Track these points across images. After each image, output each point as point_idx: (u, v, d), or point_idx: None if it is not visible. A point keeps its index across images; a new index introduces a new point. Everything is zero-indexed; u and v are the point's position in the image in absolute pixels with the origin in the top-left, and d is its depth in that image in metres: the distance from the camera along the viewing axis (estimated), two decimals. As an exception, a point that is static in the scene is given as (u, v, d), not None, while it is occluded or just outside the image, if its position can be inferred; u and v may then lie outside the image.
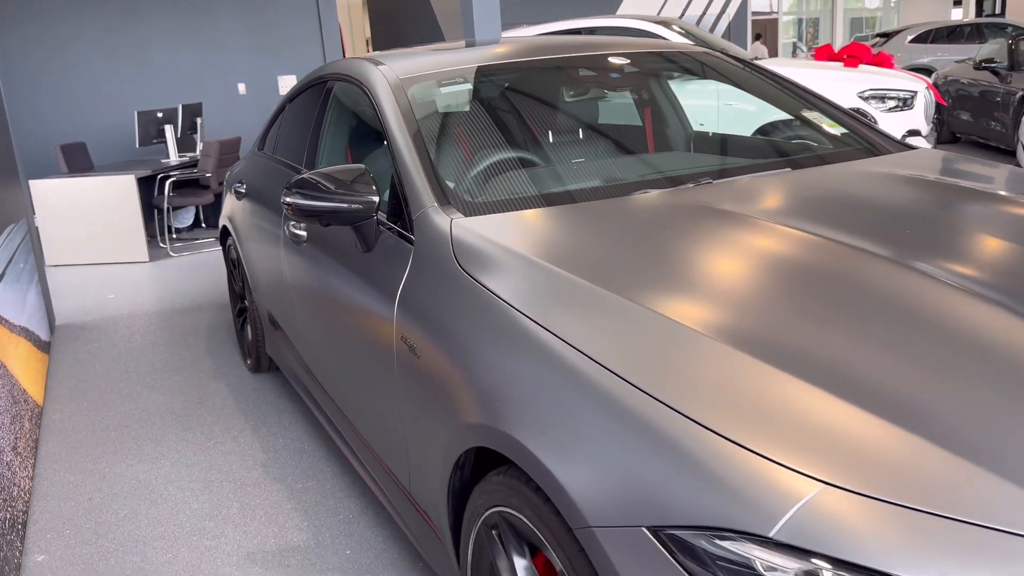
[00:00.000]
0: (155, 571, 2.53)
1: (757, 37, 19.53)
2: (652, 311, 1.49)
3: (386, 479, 2.29)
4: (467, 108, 2.63)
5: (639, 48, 3.05)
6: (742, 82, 3.10)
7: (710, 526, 1.12)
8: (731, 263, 1.74)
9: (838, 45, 20.99)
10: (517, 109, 2.66)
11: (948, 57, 14.84)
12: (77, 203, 7.02)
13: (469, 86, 2.64)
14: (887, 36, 17.46)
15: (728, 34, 16.53)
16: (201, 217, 8.34)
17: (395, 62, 2.72)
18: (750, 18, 19.07)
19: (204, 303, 5.56)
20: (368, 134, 2.75)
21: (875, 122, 3.00)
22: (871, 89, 6.43)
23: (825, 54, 7.31)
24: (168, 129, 7.92)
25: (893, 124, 6.42)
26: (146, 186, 7.31)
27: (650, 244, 1.83)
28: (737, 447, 1.16)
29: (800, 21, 26.12)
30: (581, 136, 2.67)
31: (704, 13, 15.54)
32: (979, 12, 23.31)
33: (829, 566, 1.04)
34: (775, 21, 20.67)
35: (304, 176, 2.20)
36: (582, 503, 1.27)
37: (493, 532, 1.62)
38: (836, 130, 2.77)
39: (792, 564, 1.05)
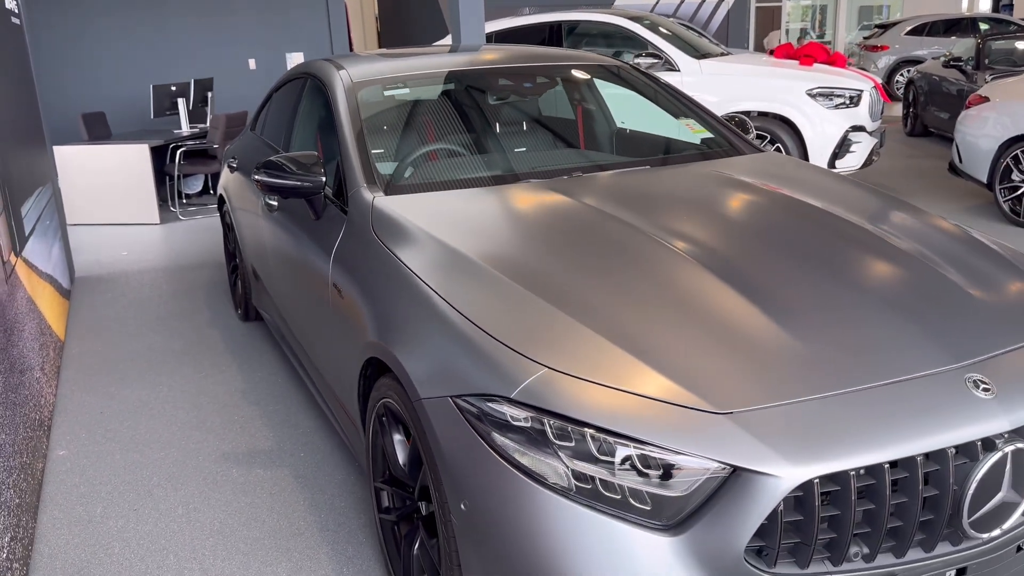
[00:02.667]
0: (150, 464, 3.24)
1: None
2: (482, 263, 2.16)
3: (329, 393, 2.98)
4: (403, 108, 3.30)
5: (559, 61, 3.69)
6: (642, 90, 3.71)
7: (483, 393, 1.79)
8: (549, 232, 2.42)
9: (842, 34, 21.36)
10: (442, 110, 3.33)
11: (942, 50, 15.28)
12: (95, 168, 7.72)
13: (407, 90, 3.31)
14: (885, 28, 17.86)
15: (727, 22, 16.98)
16: (209, 184, 9.03)
17: (354, 67, 3.38)
18: (753, 5, 19.49)
19: (206, 261, 6.26)
20: (331, 125, 3.43)
21: (749, 128, 3.62)
22: (819, 87, 7.01)
23: (783, 53, 7.88)
24: (181, 102, 8.60)
25: (839, 120, 7.01)
26: (159, 154, 8.00)
27: (504, 217, 2.51)
28: (504, 346, 1.83)
29: (814, 9, 26.46)
30: (491, 134, 3.33)
31: (702, 1, 16.01)
32: (995, 7, 23.54)
33: (547, 417, 1.70)
34: (780, 8, 21.06)
35: (272, 158, 2.87)
36: (417, 384, 1.95)
37: (382, 419, 2.30)
38: (707, 134, 3.41)
39: (524, 414, 1.72)
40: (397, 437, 2.25)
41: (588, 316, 1.93)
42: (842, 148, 7.05)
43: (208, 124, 8.64)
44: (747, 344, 1.85)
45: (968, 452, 1.70)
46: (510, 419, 1.74)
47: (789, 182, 2.89)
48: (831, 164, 7.05)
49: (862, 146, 7.15)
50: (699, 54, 7.59)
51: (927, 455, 1.67)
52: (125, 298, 5.46)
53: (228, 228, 4.84)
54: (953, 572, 1.74)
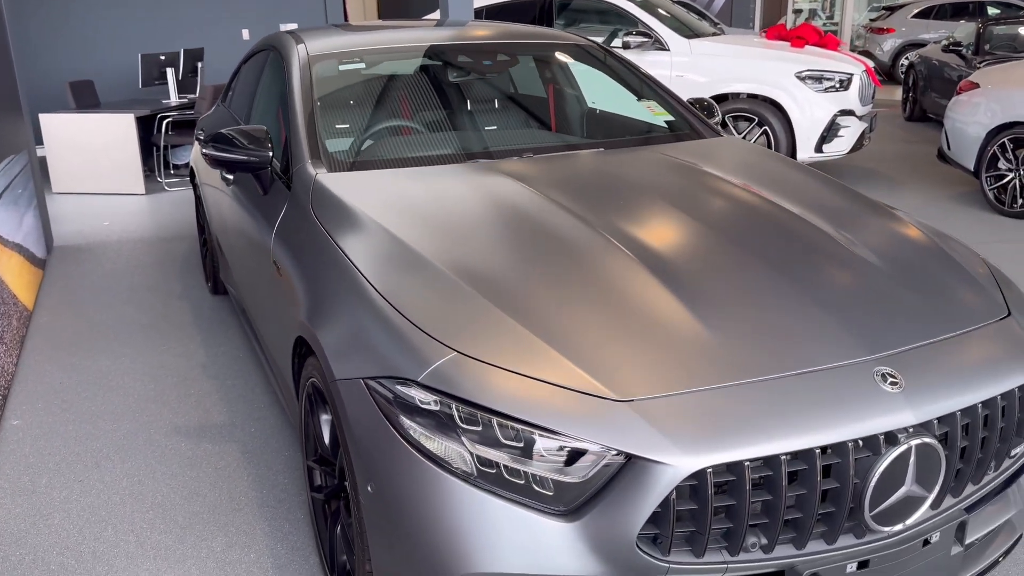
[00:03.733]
0: (101, 435, 3.25)
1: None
2: (411, 245, 2.14)
3: (276, 370, 2.98)
4: (358, 83, 3.27)
5: (526, 39, 3.65)
6: (610, 71, 3.67)
7: (393, 375, 1.79)
8: (484, 215, 2.40)
9: (849, 15, 21.11)
10: (397, 86, 3.30)
11: (947, 33, 15.11)
12: (81, 137, 7.70)
13: (363, 65, 3.28)
14: (891, 10, 17.67)
15: (731, 2, 16.81)
16: (198, 155, 9.00)
17: (313, 40, 3.35)
18: (759, -16, 19.24)
19: (186, 233, 6.26)
20: (286, 99, 3.40)
21: (715, 112, 3.58)
22: (808, 70, 6.94)
23: (776, 34, 7.79)
24: (169, 72, 8.56)
25: (827, 104, 6.95)
26: (147, 125, 7.97)
27: (443, 198, 2.49)
28: (417, 329, 1.83)
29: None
30: (446, 112, 3.30)
31: (707, -20, 15.83)
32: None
33: (453, 402, 1.70)
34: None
35: (222, 131, 2.85)
36: (333, 364, 1.94)
37: (311, 398, 2.30)
38: (668, 117, 3.38)
39: (431, 398, 1.72)
40: (324, 416, 2.25)
41: (507, 302, 1.91)
42: (830, 132, 6.99)
43: (197, 95, 8.61)
44: (660, 333, 1.83)
45: (871, 445, 1.69)
46: (419, 402, 1.73)
47: (740, 169, 2.86)
48: (818, 148, 7.00)
49: (851, 130, 7.08)
50: (690, 34, 7.51)
51: (828, 447, 1.67)
52: (101, 268, 5.46)
53: (199, 201, 4.84)
54: (854, 565, 1.74)
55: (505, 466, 1.66)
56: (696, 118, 3.39)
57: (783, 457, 1.62)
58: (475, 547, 1.65)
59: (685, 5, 11.64)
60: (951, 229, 5.96)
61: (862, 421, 1.67)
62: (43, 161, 7.91)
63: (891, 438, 1.69)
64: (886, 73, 16.46)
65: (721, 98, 7.19)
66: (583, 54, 3.69)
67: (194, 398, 3.55)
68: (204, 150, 2.83)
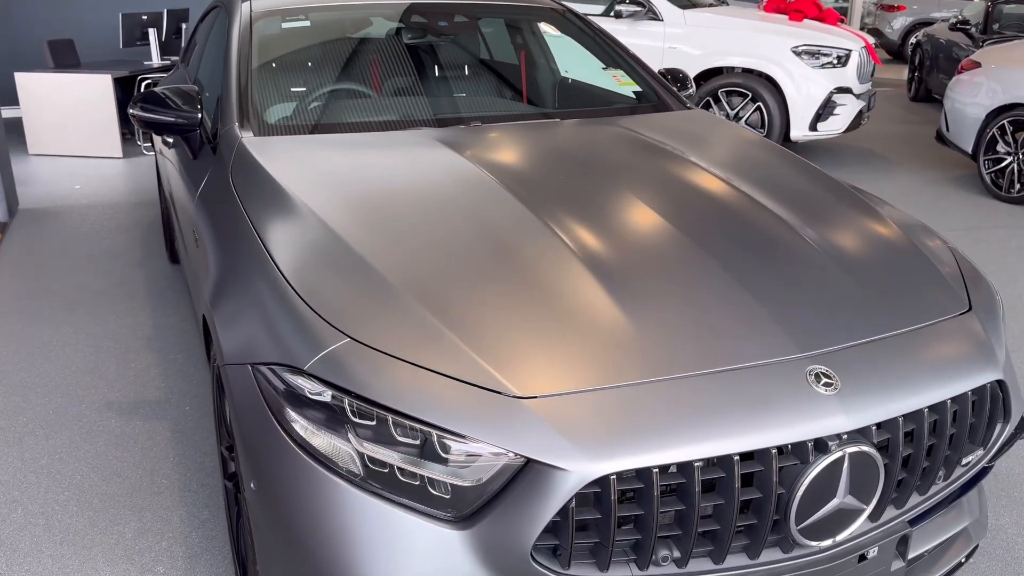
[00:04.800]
0: (30, 409, 3.10)
1: None
2: (325, 221, 1.96)
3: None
4: (301, 42, 3.08)
5: (484, 1, 3.44)
6: (576, 37, 3.46)
7: (280, 362, 1.62)
8: (410, 188, 2.21)
9: (860, -8, 20.65)
10: (343, 47, 3.10)
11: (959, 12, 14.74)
12: (58, 97, 7.50)
13: (308, 23, 3.08)
14: (902, -13, 17.25)
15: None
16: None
17: (262, -2, 3.16)
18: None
19: (156, 199, 6.08)
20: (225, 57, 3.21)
21: (688, 83, 3.38)
22: (804, 45, 6.70)
23: (774, 6, 7.53)
24: (152, 32, 8.33)
25: (823, 81, 6.72)
26: (127, 86, 7.77)
27: (373, 168, 2.31)
28: (313, 313, 1.65)
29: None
30: (394, 75, 3.09)
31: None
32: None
33: (340, 394, 1.53)
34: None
35: (152, 90, 2.67)
36: (225, 348, 1.78)
37: (219, 381, 2.14)
38: (635, 87, 3.18)
39: (319, 388, 1.55)
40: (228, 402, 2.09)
41: (419, 286, 1.73)
42: (825, 110, 6.77)
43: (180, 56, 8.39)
44: (580, 325, 1.66)
45: (799, 453, 1.52)
46: (308, 394, 1.57)
47: (703, 147, 2.67)
48: (813, 126, 6.78)
49: (847, 109, 6.86)
50: (686, 4, 7.26)
51: (749, 454, 1.50)
52: (63, 233, 5.30)
53: (158, 166, 4.65)
54: (780, 582, 1.58)
55: (396, 467, 1.50)
56: (665, 89, 3.19)
57: (696, 464, 1.45)
58: (360, 555, 1.49)
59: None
60: (944, 213, 5.76)
61: (789, 426, 1.50)
62: (19, 122, 7.75)
63: (821, 445, 1.52)
64: (895, 52, 16.11)
65: (715, 72, 6.96)
66: (550, 19, 3.49)
67: (133, 372, 3.40)
68: (131, 110, 2.65)
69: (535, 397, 1.49)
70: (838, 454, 1.51)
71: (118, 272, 4.57)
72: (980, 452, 1.82)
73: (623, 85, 3.17)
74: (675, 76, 3.43)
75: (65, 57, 8.18)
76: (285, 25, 3.06)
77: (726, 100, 6.87)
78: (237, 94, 2.65)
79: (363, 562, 1.49)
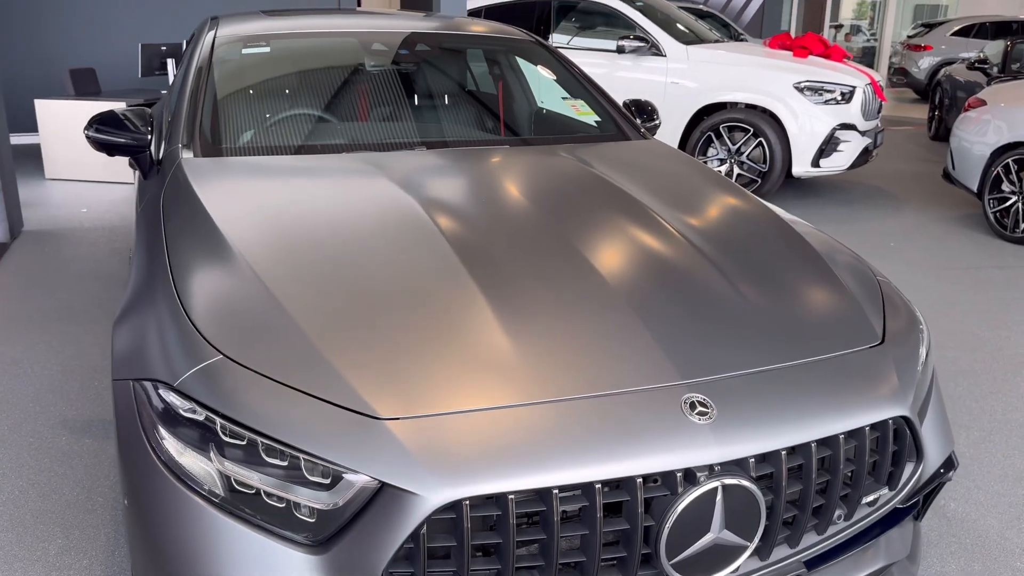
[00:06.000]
0: (-14, 424, 3.14)
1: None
2: (230, 242, 1.95)
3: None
4: (258, 70, 3.12)
5: (459, 30, 3.47)
6: (544, 68, 3.47)
7: (155, 378, 1.61)
8: (327, 209, 2.22)
9: (889, 31, 20.57)
10: (297, 75, 3.14)
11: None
12: (75, 124, 7.68)
13: (268, 50, 3.13)
14: (930, 27, 17.15)
15: (761, 13, 16.45)
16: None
17: (230, 24, 3.21)
18: (796, -3, 18.87)
19: (156, 224, 6.17)
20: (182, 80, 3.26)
21: (655, 116, 3.37)
22: (807, 81, 6.66)
23: (779, 43, 7.51)
24: (171, 62, 8.52)
25: (826, 117, 6.66)
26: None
27: (295, 189, 2.32)
28: (193, 328, 1.65)
29: (875, 4, 25.55)
30: (343, 103, 3.12)
31: (736, -9, 15.51)
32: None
33: (208, 412, 1.51)
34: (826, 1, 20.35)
35: (107, 112, 2.72)
36: (115, 364, 1.77)
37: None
38: (595, 117, 3.17)
39: (188, 405, 1.54)
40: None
41: (308, 312, 1.71)
42: (828, 146, 6.70)
43: (195, 86, 8.56)
44: (464, 349, 1.63)
45: (669, 483, 1.47)
46: (181, 411, 1.55)
47: (638, 175, 2.64)
48: (815, 163, 6.71)
49: (851, 146, 6.79)
50: (690, 40, 7.27)
51: (616, 483, 1.46)
52: (60, 255, 5.39)
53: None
54: (653, 619, 1.52)
55: (251, 488, 1.48)
56: (624, 119, 3.17)
57: (554, 491, 1.41)
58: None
59: (709, 15, 11.38)
60: (946, 252, 5.65)
61: (657, 455, 1.46)
62: (38, 148, 7.95)
63: (691, 476, 1.47)
64: (921, 92, 15.97)
65: (718, 107, 6.94)
66: (517, 50, 3.50)
67: (95, 391, 3.42)
68: (85, 131, 2.70)
69: (397, 419, 1.46)
70: (709, 486, 1.46)
71: (102, 292, 4.63)
72: (886, 491, 1.74)
73: (581, 115, 3.16)
74: (641, 108, 3.41)
75: (86, 85, 8.39)
76: (246, 51, 3.10)
77: (728, 136, 6.84)
78: (185, 115, 2.68)
79: None
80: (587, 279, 1.88)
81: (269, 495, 1.48)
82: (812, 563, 1.72)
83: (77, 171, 7.78)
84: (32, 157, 8.34)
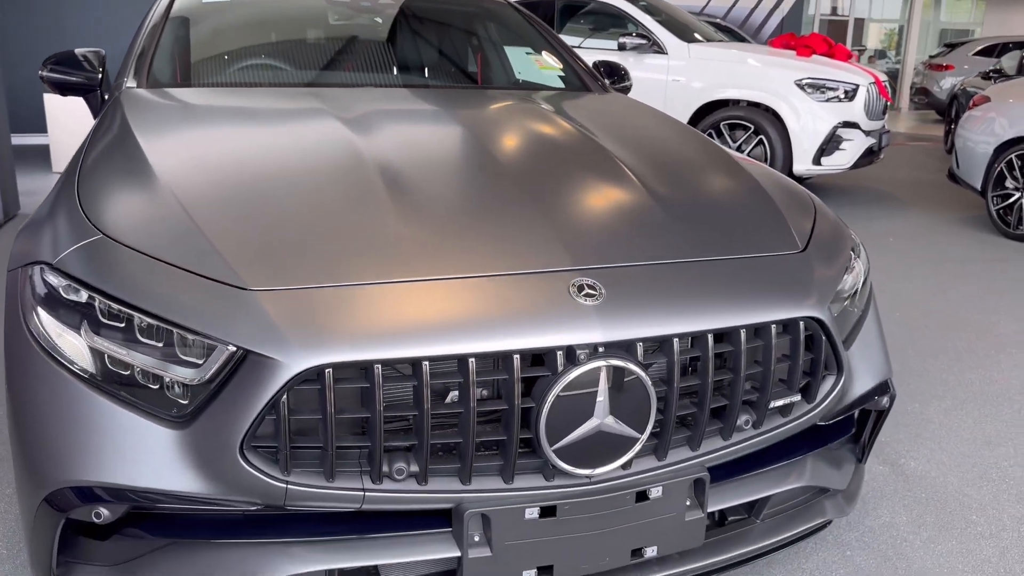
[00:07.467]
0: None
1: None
2: (143, 148, 1.90)
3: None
4: (219, 13, 3.12)
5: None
6: (513, 28, 3.43)
7: (38, 260, 1.57)
8: (254, 129, 2.20)
9: (912, 54, 20.44)
10: (258, 19, 3.13)
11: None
12: (82, 118, 7.80)
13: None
14: (952, 47, 16.99)
15: (780, 32, 16.37)
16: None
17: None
18: (817, 18, 18.83)
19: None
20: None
21: (626, 77, 3.32)
22: (809, 78, 6.58)
23: (782, 43, 7.45)
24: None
25: (828, 115, 6.56)
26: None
27: (224, 113, 2.32)
28: (78, 209, 1.62)
29: (901, 28, 25.46)
30: (293, 47, 3.08)
31: (756, 7, 15.47)
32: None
33: (83, 289, 1.48)
34: (845, 23, 20.29)
35: (60, 52, 2.74)
36: (10, 261, 1.73)
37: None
38: (558, 72, 3.13)
39: (65, 282, 1.50)
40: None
41: (198, 197, 1.67)
42: (830, 144, 6.60)
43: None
44: (352, 227, 1.59)
45: (550, 363, 1.41)
46: (59, 291, 1.52)
47: (582, 110, 2.61)
48: (816, 161, 6.61)
49: (853, 144, 6.68)
50: (692, 38, 7.23)
51: (491, 358, 1.39)
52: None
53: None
54: (536, 511, 1.45)
55: (129, 368, 1.43)
56: (589, 76, 3.13)
57: (425, 363, 1.35)
58: (77, 453, 1.42)
59: (726, 30, 11.34)
60: (946, 247, 5.53)
61: (537, 333, 1.39)
62: (47, 148, 8.08)
63: (572, 356, 1.41)
64: (942, 112, 15.79)
65: (720, 104, 6.87)
66: (486, 10, 3.47)
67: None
68: (40, 72, 2.71)
69: (267, 291, 1.41)
70: (591, 365, 1.39)
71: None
72: (798, 399, 1.66)
73: (544, 68, 3.12)
74: (612, 69, 3.37)
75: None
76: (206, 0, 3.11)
77: (729, 134, 6.77)
78: (136, 53, 2.69)
79: (77, 459, 1.41)
80: (494, 173, 1.85)
81: (142, 374, 1.43)
82: (722, 473, 1.64)
83: (84, 165, 7.88)
84: (43, 156, 8.46)
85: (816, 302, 1.63)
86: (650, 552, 1.55)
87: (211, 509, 1.43)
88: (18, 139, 9.42)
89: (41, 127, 8.72)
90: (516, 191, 1.76)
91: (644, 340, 1.44)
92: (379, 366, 1.34)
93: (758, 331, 1.57)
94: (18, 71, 9.22)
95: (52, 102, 7.75)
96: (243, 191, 1.73)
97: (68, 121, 7.78)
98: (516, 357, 1.37)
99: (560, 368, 1.39)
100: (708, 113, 6.90)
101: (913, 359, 3.44)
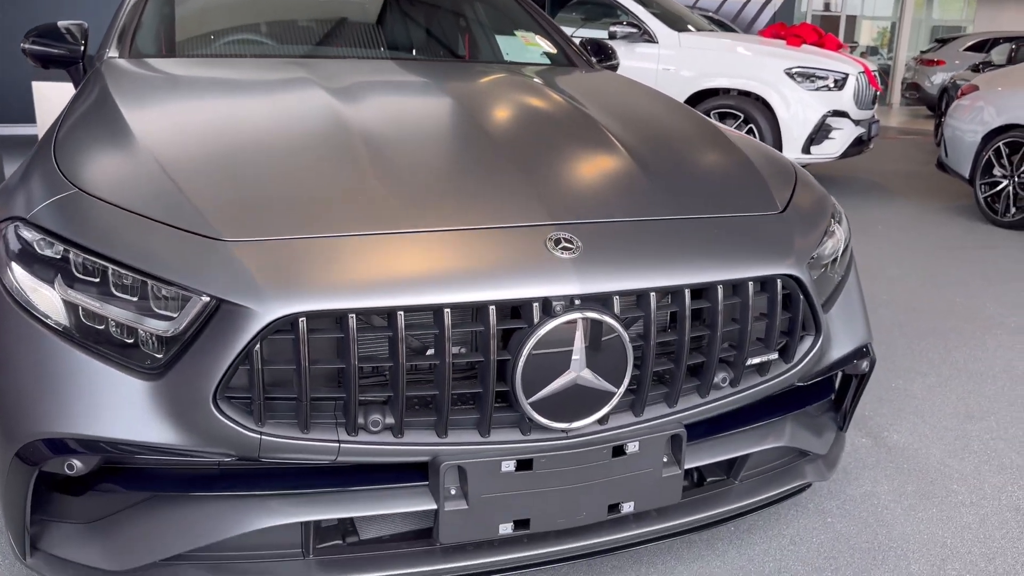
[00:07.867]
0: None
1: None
2: (122, 112, 1.89)
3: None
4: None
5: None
6: (501, 8, 3.43)
7: (13, 216, 1.56)
8: (238, 97, 2.20)
9: (904, 51, 20.50)
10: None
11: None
12: (71, 107, 7.78)
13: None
14: (943, 42, 17.05)
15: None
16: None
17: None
18: (809, 14, 18.86)
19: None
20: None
21: (614, 56, 3.32)
22: (798, 67, 6.59)
23: (772, 32, 7.46)
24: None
25: (817, 104, 6.58)
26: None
27: (208, 82, 2.30)
28: (54, 167, 1.61)
29: (893, 25, 25.50)
30: (280, 21, 3.07)
31: (748, 1, 15.49)
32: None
33: (57, 242, 1.47)
34: (837, 19, 20.33)
35: (46, 25, 2.72)
36: None
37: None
38: (545, 49, 3.13)
39: (40, 236, 1.49)
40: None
41: (175, 153, 1.67)
42: (819, 133, 6.61)
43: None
44: (330, 182, 1.59)
45: (526, 315, 1.41)
46: (34, 246, 1.51)
47: (571, 82, 2.61)
48: (806, 149, 6.62)
49: (843, 133, 6.70)
50: (683, 28, 7.23)
51: (467, 309, 1.39)
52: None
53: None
54: (512, 464, 1.45)
55: (104, 321, 1.42)
56: (576, 54, 3.12)
57: (400, 313, 1.35)
58: (50, 406, 1.41)
59: (718, 23, 11.35)
60: (934, 235, 5.55)
61: (513, 285, 1.39)
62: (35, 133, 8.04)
63: (548, 308, 1.40)
64: (933, 108, 15.83)
65: (710, 93, 6.88)
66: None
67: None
68: (22, 44, 2.69)
69: (241, 241, 1.41)
70: (567, 317, 1.39)
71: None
72: (775, 357, 1.66)
73: (530, 45, 3.11)
74: (600, 48, 3.37)
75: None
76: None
77: (718, 122, 6.77)
78: (123, 23, 2.68)
79: (50, 412, 1.40)
80: (477, 137, 1.86)
81: (117, 327, 1.42)
82: (699, 430, 1.64)
83: (73, 154, 7.85)
84: (32, 145, 8.41)
85: (794, 261, 1.63)
86: (627, 508, 1.55)
87: (186, 462, 1.43)
88: (6, 129, 9.43)
89: (30, 117, 8.69)
90: (497, 152, 1.76)
91: (621, 293, 1.44)
92: (353, 316, 1.33)
93: (736, 288, 1.57)
94: (4, 62, 9.19)
95: (40, 92, 7.72)
96: (222, 150, 1.72)
97: (56, 111, 7.75)
98: (492, 309, 1.37)
99: (536, 320, 1.39)
100: (698, 102, 6.90)
101: (899, 339, 3.45)
